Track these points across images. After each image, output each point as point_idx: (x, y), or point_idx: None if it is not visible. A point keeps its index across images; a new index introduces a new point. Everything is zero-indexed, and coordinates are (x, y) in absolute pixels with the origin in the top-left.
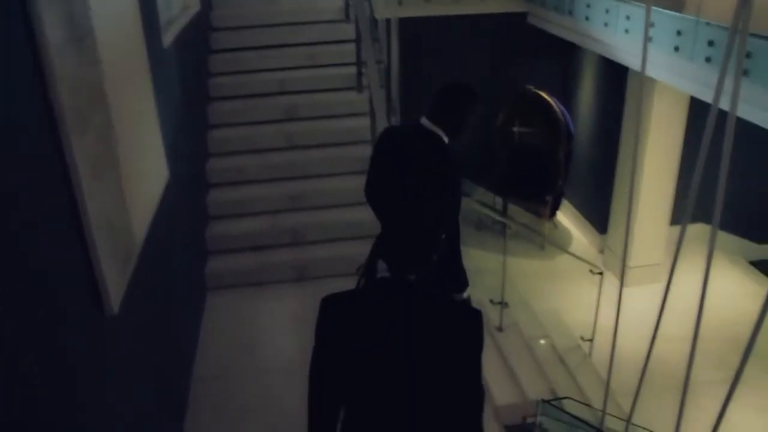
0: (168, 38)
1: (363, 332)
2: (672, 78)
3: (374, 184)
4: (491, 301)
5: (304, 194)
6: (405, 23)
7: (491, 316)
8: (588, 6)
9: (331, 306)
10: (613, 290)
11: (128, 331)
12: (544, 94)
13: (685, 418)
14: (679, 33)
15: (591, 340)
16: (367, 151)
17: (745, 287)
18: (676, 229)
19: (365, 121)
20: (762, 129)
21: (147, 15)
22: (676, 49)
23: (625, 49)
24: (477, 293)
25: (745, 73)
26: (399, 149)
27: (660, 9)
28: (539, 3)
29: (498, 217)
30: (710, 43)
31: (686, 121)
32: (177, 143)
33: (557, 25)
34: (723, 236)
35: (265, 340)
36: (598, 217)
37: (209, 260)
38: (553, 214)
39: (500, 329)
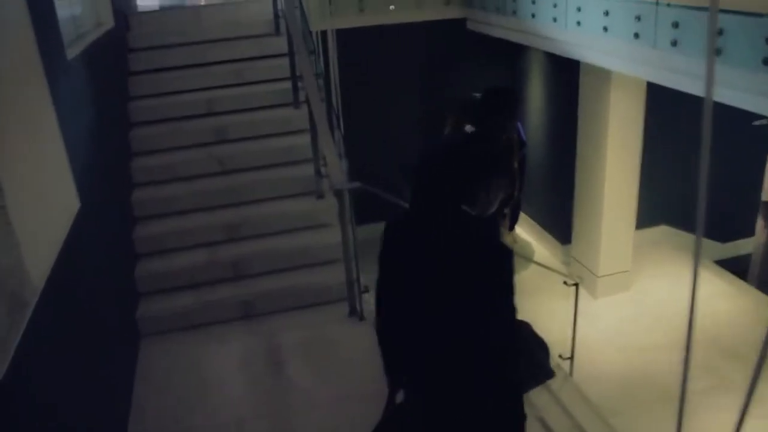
0: (74, 51)
1: (412, 256)
2: (634, 68)
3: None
4: None
5: (243, 222)
6: (343, 35)
7: None
8: (533, 3)
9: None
10: (582, 303)
11: (24, 401)
12: None
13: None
14: (638, 18)
15: (570, 358)
16: (309, 170)
17: (716, 287)
18: (641, 233)
19: (305, 138)
20: (722, 125)
21: (40, 19)
22: (636, 36)
23: (578, 43)
24: None
25: (717, 52)
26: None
27: None
28: (479, 6)
29: None
30: (675, 25)
31: (644, 115)
32: (91, 169)
33: (500, 28)
34: (686, 237)
35: (210, 392)
36: (560, 227)
37: (140, 303)
38: (512, 227)
39: None
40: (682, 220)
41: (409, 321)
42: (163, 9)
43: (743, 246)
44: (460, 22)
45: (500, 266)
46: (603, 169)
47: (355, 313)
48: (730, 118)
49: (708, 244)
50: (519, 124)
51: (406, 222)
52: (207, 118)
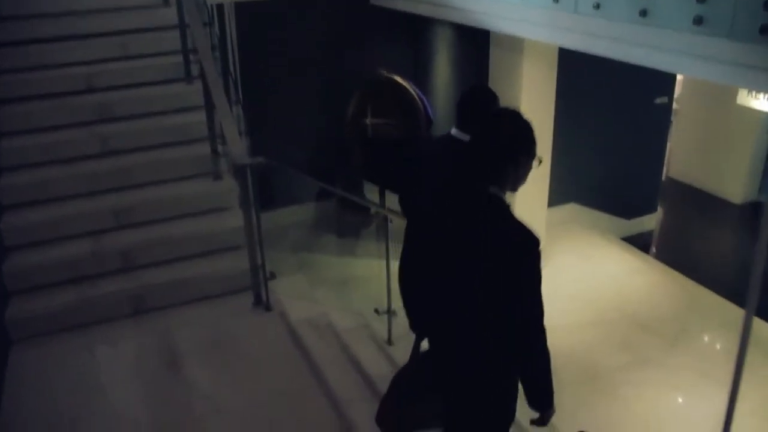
0: None
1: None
2: (553, 35)
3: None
4: (376, 311)
5: (132, 208)
6: (241, 8)
7: (377, 328)
8: None
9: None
10: None
11: None
12: (397, 78)
13: (601, 405)
14: None
15: None
16: (204, 149)
17: (628, 263)
18: (551, 212)
19: (199, 115)
20: (625, 103)
21: None
22: (556, 0)
23: (492, 12)
24: (357, 303)
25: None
26: (436, 161)
27: None
28: None
29: (379, 210)
30: None
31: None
32: None
33: (406, 0)
34: (595, 215)
35: (97, 402)
36: None
37: (11, 303)
38: None
39: (390, 342)
40: (591, 198)
41: (432, 288)
42: None
43: (647, 222)
44: None
45: (531, 252)
46: None
47: (260, 303)
48: (633, 96)
49: (614, 221)
50: (426, 102)
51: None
52: (88, 94)
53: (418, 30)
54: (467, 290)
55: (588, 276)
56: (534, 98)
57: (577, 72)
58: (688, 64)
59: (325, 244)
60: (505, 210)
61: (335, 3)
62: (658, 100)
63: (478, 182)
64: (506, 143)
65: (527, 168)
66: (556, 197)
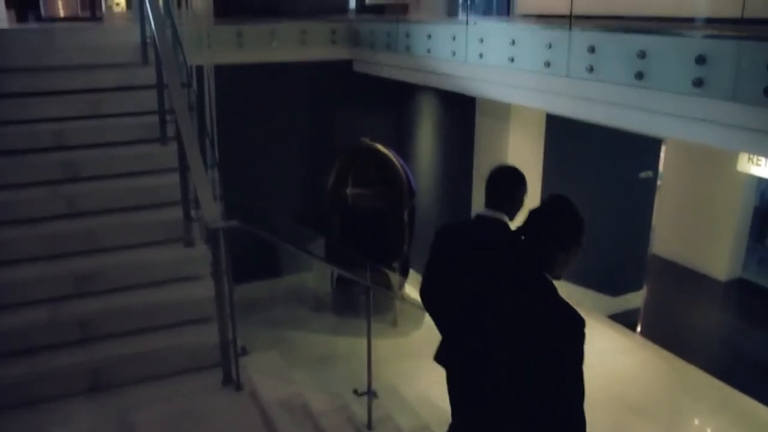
0: None
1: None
2: (544, 101)
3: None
4: (355, 392)
5: (95, 274)
6: (222, 71)
7: (356, 411)
8: (429, 37)
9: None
10: None
11: None
12: (379, 147)
13: None
14: (549, 46)
15: None
16: (176, 213)
17: (615, 342)
18: None
19: (173, 178)
20: (609, 177)
21: None
22: (547, 64)
23: (480, 77)
24: (336, 383)
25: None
26: (467, 240)
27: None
28: (367, 46)
29: (359, 280)
30: (591, 50)
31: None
32: None
33: (390, 67)
34: (579, 291)
35: None
36: None
37: None
38: (401, 284)
39: (370, 427)
40: (576, 275)
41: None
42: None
43: (633, 300)
44: (347, 63)
45: (575, 334)
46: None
47: (230, 381)
48: (618, 170)
49: (600, 298)
50: (408, 172)
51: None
52: (55, 152)
53: (402, 97)
54: (515, 374)
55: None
56: (520, 168)
57: (561, 145)
58: (687, 129)
59: (303, 320)
60: (555, 293)
61: (319, 69)
62: (643, 175)
63: (532, 268)
64: (562, 233)
65: (576, 257)
66: None
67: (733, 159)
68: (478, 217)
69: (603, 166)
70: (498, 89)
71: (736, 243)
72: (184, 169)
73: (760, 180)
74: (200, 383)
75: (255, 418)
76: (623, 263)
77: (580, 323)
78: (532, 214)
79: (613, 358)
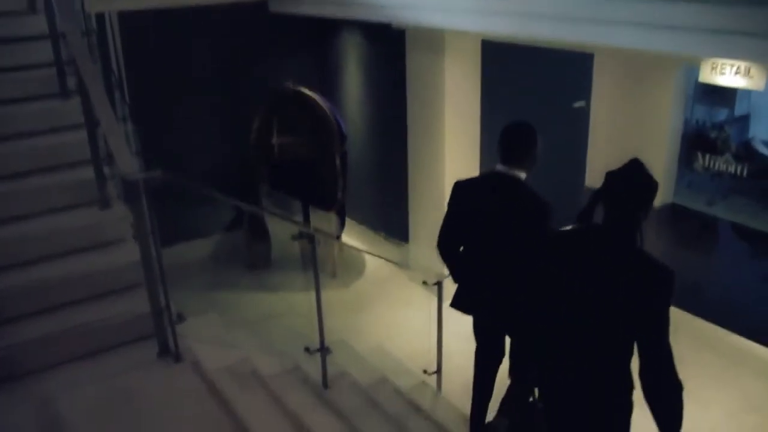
0: None
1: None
2: (486, 24)
3: (455, 238)
4: (307, 350)
5: None
6: (127, 17)
7: (309, 370)
8: None
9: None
10: (430, 308)
11: None
12: (305, 91)
13: None
14: None
15: (438, 372)
16: (87, 173)
17: None
18: None
19: (78, 135)
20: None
21: None
22: None
23: (410, 4)
24: (283, 343)
25: None
26: (488, 199)
27: None
28: None
29: (304, 229)
30: None
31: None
32: None
33: (310, 3)
34: None
35: None
36: (395, 228)
37: None
38: (338, 234)
39: (326, 385)
40: None
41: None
42: None
43: None
44: (262, 5)
45: (670, 287)
46: (442, 155)
47: (168, 352)
48: (553, 101)
49: None
50: (337, 115)
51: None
52: None
53: (325, 37)
54: (605, 331)
55: None
56: (458, 104)
57: (497, 78)
58: (649, 37)
59: (238, 280)
60: (642, 251)
61: (231, 12)
62: (577, 104)
63: (620, 231)
64: (645, 195)
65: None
66: None
67: (665, 83)
68: (496, 173)
69: (538, 97)
70: (431, 15)
71: (667, 169)
72: (91, 124)
73: (686, 105)
74: (134, 358)
75: (200, 390)
76: (562, 197)
77: (673, 274)
78: (617, 183)
79: None
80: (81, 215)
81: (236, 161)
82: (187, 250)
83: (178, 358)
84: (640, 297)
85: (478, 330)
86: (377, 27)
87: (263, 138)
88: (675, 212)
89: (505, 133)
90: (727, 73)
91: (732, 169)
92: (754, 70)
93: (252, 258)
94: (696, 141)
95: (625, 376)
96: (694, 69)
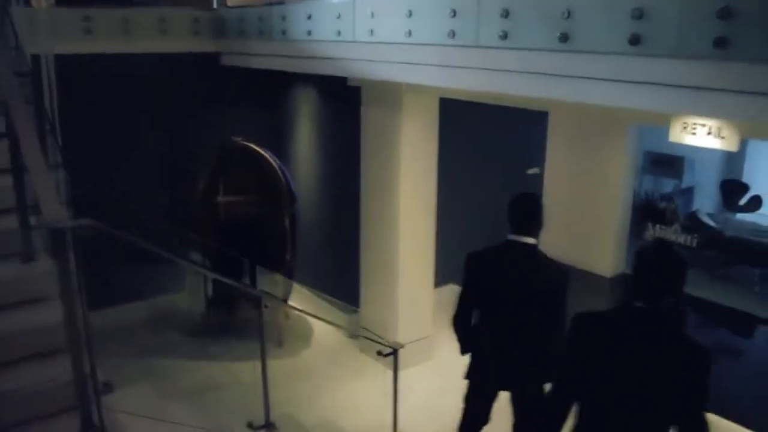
0: None
1: (610, 346)
2: (450, 77)
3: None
4: (250, 427)
5: None
6: (68, 60)
7: None
8: (309, 18)
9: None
10: (382, 380)
11: None
12: (254, 147)
13: None
14: (454, 13)
15: None
16: (10, 222)
17: None
18: (440, 291)
19: (4, 181)
20: (497, 173)
21: None
22: (452, 34)
23: (370, 57)
24: (222, 418)
25: (564, 38)
26: (508, 267)
27: None
28: (236, 35)
29: (249, 290)
30: (505, 14)
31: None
32: None
33: (263, 56)
34: None
35: None
36: (344, 293)
37: None
38: (286, 298)
39: None
40: None
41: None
42: None
43: None
44: (213, 56)
45: (706, 365)
46: (396, 217)
47: (91, 428)
48: (507, 167)
49: None
50: (287, 174)
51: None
52: None
53: (278, 91)
54: (649, 408)
55: None
56: (414, 164)
57: (454, 140)
58: (624, 93)
59: (177, 347)
60: (680, 332)
61: (181, 62)
62: (530, 171)
63: (661, 314)
64: (677, 274)
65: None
66: (436, 278)
67: (616, 155)
68: (510, 242)
69: (494, 161)
70: (392, 69)
71: (619, 239)
72: (18, 169)
73: (636, 178)
74: None
75: None
76: None
77: (710, 354)
78: (649, 267)
79: None
80: (1, 269)
81: (178, 217)
82: (122, 313)
83: None
84: (683, 375)
85: (472, 397)
86: (332, 82)
87: (209, 195)
88: (626, 282)
89: (516, 203)
90: (699, 134)
91: (681, 239)
92: (726, 131)
93: (208, 325)
94: (646, 211)
95: None
96: (644, 138)
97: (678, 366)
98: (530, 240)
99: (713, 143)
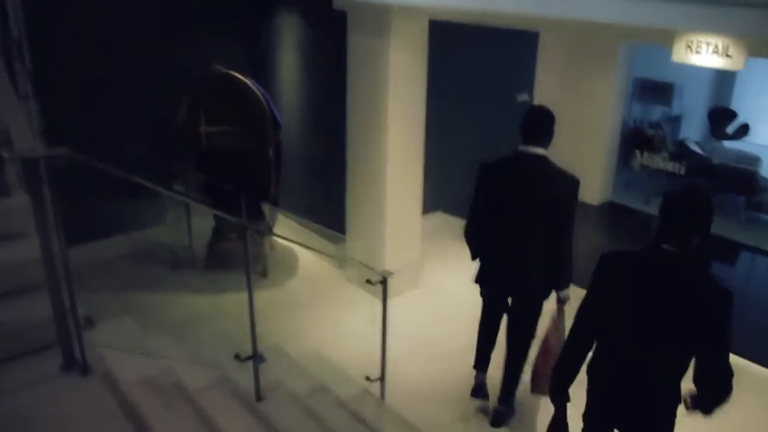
0: None
1: (636, 288)
2: None
3: (483, 217)
4: (237, 357)
5: None
6: None
7: (240, 380)
8: None
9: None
10: (370, 308)
11: None
12: (237, 75)
13: None
14: None
15: (381, 378)
16: None
17: None
18: (427, 219)
19: None
20: (487, 101)
21: None
22: None
23: None
24: (210, 350)
25: None
26: (519, 176)
27: None
28: None
29: (235, 221)
30: None
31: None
32: None
33: None
34: (460, 223)
35: None
36: (330, 221)
37: None
38: (271, 227)
39: (259, 397)
40: (457, 206)
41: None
42: None
43: None
44: None
45: (729, 306)
46: (384, 144)
47: (73, 364)
48: (496, 94)
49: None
50: (271, 102)
51: (627, 255)
52: None
53: (260, 17)
54: (669, 348)
55: (464, 291)
56: (403, 91)
57: (443, 66)
58: (627, 8)
59: (159, 280)
60: (706, 273)
61: None
62: (520, 98)
63: (688, 256)
64: (705, 218)
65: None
66: (424, 206)
67: (606, 81)
68: (521, 152)
69: (482, 88)
70: None
71: (606, 167)
72: None
73: (625, 105)
74: (31, 371)
75: (113, 409)
76: None
77: (732, 295)
78: (678, 207)
79: None
80: None
81: (159, 148)
82: (102, 248)
83: (85, 370)
84: (707, 316)
85: (488, 296)
86: (317, 6)
87: (191, 125)
88: (613, 210)
89: (528, 116)
90: (704, 52)
91: (669, 167)
92: (733, 49)
93: (210, 258)
94: (634, 139)
95: (677, 390)
96: (634, 64)
97: (701, 307)
98: (540, 150)
99: (719, 62)
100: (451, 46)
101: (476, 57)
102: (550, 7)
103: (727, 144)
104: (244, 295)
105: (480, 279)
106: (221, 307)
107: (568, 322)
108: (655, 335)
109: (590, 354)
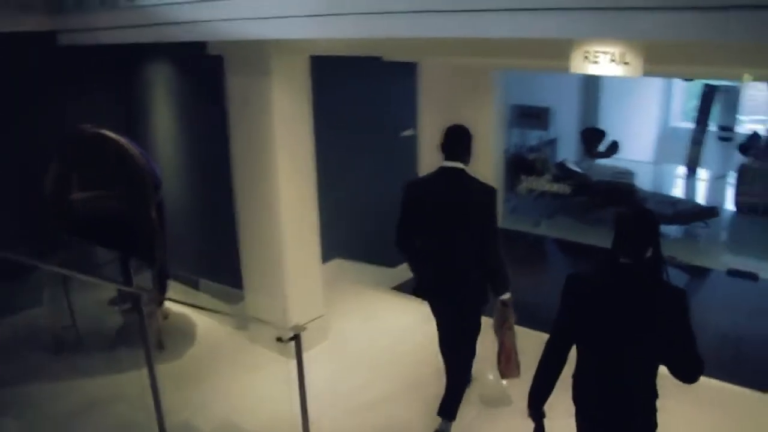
0: None
1: (602, 301)
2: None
3: (412, 231)
4: None
5: None
6: None
7: None
8: None
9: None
10: (277, 367)
11: None
12: (109, 134)
13: None
14: None
15: None
16: None
17: (414, 313)
18: (326, 267)
19: None
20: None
21: None
22: None
23: (236, 15)
24: None
25: None
26: (441, 189)
27: None
28: (73, 9)
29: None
30: None
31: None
32: None
33: (109, 30)
34: (358, 267)
35: None
36: (226, 279)
37: None
38: (161, 301)
39: None
40: (354, 251)
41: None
42: None
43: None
44: (47, 36)
45: (684, 304)
46: (276, 193)
47: None
48: (381, 131)
49: (379, 271)
50: (149, 159)
51: (590, 273)
52: None
53: (130, 68)
54: (639, 354)
55: (374, 337)
56: (289, 130)
57: (327, 105)
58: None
59: (41, 368)
60: (660, 280)
61: (10, 44)
62: (405, 133)
63: (644, 266)
64: (654, 232)
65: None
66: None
67: (485, 110)
68: (445, 168)
69: (367, 126)
70: (262, 26)
71: None
72: None
73: (504, 132)
74: None
75: None
76: (390, 218)
77: (686, 293)
78: (628, 224)
79: (420, 329)
80: None
81: (28, 220)
82: None
83: None
84: (667, 317)
85: (434, 311)
86: (190, 52)
87: (61, 193)
88: (505, 236)
89: (446, 134)
90: (601, 62)
91: (554, 188)
92: (630, 56)
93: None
94: (516, 164)
95: (653, 387)
96: (509, 91)
97: (661, 309)
98: (459, 165)
99: (616, 70)
100: (334, 84)
101: (358, 96)
102: (443, 29)
103: (601, 162)
104: (141, 373)
105: (417, 290)
106: (117, 389)
107: None
108: (627, 341)
109: (572, 380)
